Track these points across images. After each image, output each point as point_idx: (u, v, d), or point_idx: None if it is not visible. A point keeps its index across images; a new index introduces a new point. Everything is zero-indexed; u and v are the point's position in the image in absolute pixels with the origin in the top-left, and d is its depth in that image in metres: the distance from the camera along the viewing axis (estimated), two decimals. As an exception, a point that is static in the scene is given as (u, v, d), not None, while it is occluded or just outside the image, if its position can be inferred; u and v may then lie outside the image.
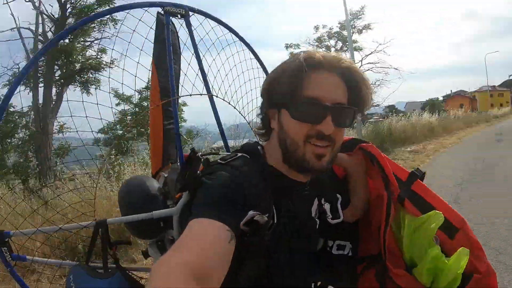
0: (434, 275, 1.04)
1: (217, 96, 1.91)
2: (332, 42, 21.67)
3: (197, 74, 1.81)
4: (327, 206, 1.15)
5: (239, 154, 1.08)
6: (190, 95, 1.76)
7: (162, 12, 1.76)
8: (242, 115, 1.95)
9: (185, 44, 1.85)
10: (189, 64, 1.85)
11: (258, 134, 1.20)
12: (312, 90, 1.00)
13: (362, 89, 1.06)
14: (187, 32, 1.83)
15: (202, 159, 1.12)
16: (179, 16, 1.79)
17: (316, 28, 21.16)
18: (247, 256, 0.95)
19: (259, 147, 1.13)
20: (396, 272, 1.08)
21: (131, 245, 1.78)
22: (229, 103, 1.92)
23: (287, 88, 1.01)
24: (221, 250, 0.81)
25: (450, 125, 20.83)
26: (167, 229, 1.64)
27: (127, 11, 1.67)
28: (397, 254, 1.12)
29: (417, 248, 1.07)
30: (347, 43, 18.83)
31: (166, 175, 1.82)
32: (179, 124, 1.93)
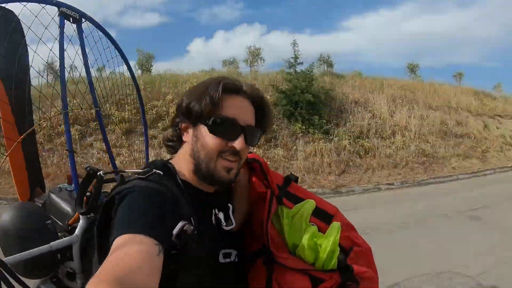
0: (315, 251, 1.19)
1: (103, 112, 1.76)
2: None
3: (87, 87, 1.65)
4: (221, 215, 1.23)
5: (154, 170, 1.14)
6: (81, 108, 1.60)
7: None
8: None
9: (76, 53, 1.65)
10: (73, 69, 1.66)
11: (167, 146, 1.31)
12: (230, 111, 1.16)
13: (268, 115, 1.29)
14: (78, 38, 1.65)
15: (118, 176, 1.19)
16: (71, 20, 1.60)
17: None
18: (178, 269, 1.01)
19: (168, 164, 1.22)
20: (282, 255, 1.20)
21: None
22: (114, 120, 1.81)
23: (209, 107, 1.13)
24: (151, 264, 0.83)
25: None
26: (65, 261, 1.49)
27: (24, 3, 1.39)
28: (281, 245, 1.23)
29: (297, 232, 1.22)
30: None
31: (42, 201, 1.56)
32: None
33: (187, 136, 1.21)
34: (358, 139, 14.58)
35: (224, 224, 1.22)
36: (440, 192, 11.94)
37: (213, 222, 1.23)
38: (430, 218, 8.49)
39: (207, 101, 1.13)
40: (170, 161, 1.25)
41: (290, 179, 1.37)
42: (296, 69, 16.03)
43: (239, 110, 1.18)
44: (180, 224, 0.96)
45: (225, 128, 1.14)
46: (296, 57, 16.08)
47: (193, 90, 1.21)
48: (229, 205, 1.27)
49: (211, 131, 1.14)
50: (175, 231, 0.95)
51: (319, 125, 14.22)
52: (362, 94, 18.12)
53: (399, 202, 10.47)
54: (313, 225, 1.25)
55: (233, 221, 1.24)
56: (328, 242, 1.19)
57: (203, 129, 1.16)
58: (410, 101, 19.04)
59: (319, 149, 13.19)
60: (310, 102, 14.36)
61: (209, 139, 1.15)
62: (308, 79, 15.29)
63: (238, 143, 1.15)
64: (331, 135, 14.09)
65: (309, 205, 1.26)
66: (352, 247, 1.26)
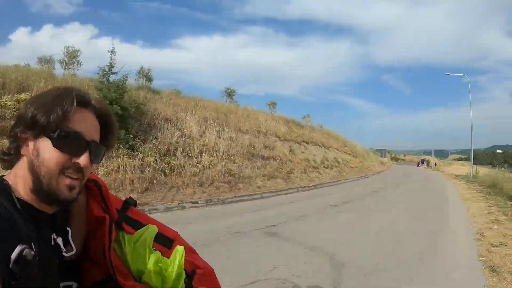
0: (162, 276, 1.19)
1: None
2: None
3: None
4: (59, 240, 1.11)
5: None
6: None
7: None
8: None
9: None
10: None
11: (2, 160, 1.13)
12: (78, 125, 1.06)
13: (113, 134, 1.21)
14: None
15: None
16: None
17: None
18: None
19: (1, 180, 1.07)
20: (128, 284, 1.16)
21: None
22: None
23: (55, 118, 1.02)
24: None
25: None
26: None
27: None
28: (126, 273, 1.19)
29: (140, 259, 1.20)
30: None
31: None
32: None
33: (26, 150, 1.06)
34: (165, 157, 14.43)
35: (64, 250, 1.10)
36: (243, 210, 12.42)
37: (53, 249, 1.08)
38: (230, 235, 8.65)
39: (59, 113, 1.02)
40: (3, 177, 1.08)
41: (130, 203, 1.33)
42: (109, 79, 15.03)
43: (85, 124, 1.08)
44: (18, 248, 0.85)
45: (69, 142, 1.04)
46: (111, 66, 15.04)
47: (40, 99, 1.07)
48: (68, 228, 1.15)
49: (55, 145, 1.02)
50: (13, 255, 0.83)
51: (125, 139, 13.54)
52: (174, 112, 18.30)
53: (202, 220, 10.50)
54: (156, 250, 1.25)
55: (73, 247, 1.13)
56: (174, 266, 1.20)
57: (46, 142, 1.03)
58: (221, 123, 20.06)
59: (122, 165, 12.53)
60: (117, 114, 13.49)
61: (51, 154, 1.03)
62: (120, 90, 14.55)
63: (83, 160, 1.05)
64: (136, 151, 13.59)
65: (151, 231, 1.25)
66: (195, 270, 1.28)
